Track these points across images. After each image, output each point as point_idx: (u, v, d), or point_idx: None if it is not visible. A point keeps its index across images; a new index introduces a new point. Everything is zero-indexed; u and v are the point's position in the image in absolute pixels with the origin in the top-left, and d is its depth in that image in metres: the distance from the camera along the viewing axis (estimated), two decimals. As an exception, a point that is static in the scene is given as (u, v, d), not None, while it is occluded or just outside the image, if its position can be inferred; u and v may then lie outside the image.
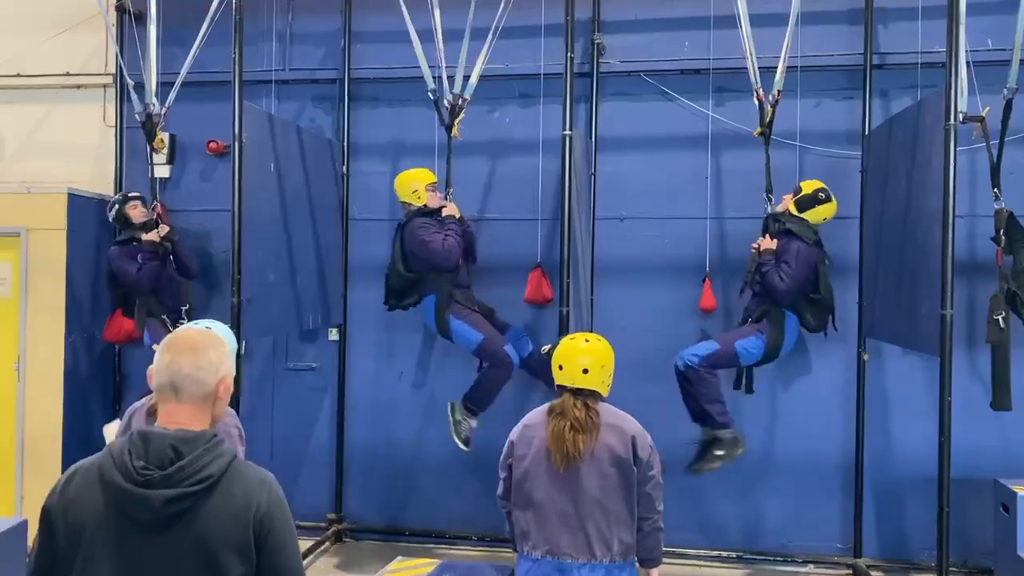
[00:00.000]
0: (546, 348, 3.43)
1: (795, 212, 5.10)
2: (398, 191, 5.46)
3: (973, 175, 5.27)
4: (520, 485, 3.22)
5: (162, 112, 5.36)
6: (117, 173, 6.44)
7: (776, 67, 5.24)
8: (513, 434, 3.32)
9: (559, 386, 3.27)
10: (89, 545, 1.79)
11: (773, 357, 5.08)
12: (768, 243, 5.01)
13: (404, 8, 5.27)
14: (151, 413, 3.03)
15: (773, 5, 5.37)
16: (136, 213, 5.78)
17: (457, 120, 5.24)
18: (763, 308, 5.03)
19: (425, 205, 5.33)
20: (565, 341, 3.41)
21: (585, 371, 3.22)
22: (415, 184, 5.38)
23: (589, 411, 3.16)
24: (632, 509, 3.16)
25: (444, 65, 5.25)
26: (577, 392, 3.20)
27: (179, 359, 1.92)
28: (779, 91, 4.85)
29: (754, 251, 5.08)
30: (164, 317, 5.67)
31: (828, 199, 5.14)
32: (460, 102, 5.21)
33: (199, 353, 1.93)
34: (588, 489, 3.12)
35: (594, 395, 3.23)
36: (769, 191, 5.12)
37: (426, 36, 5.33)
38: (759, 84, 4.74)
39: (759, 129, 4.99)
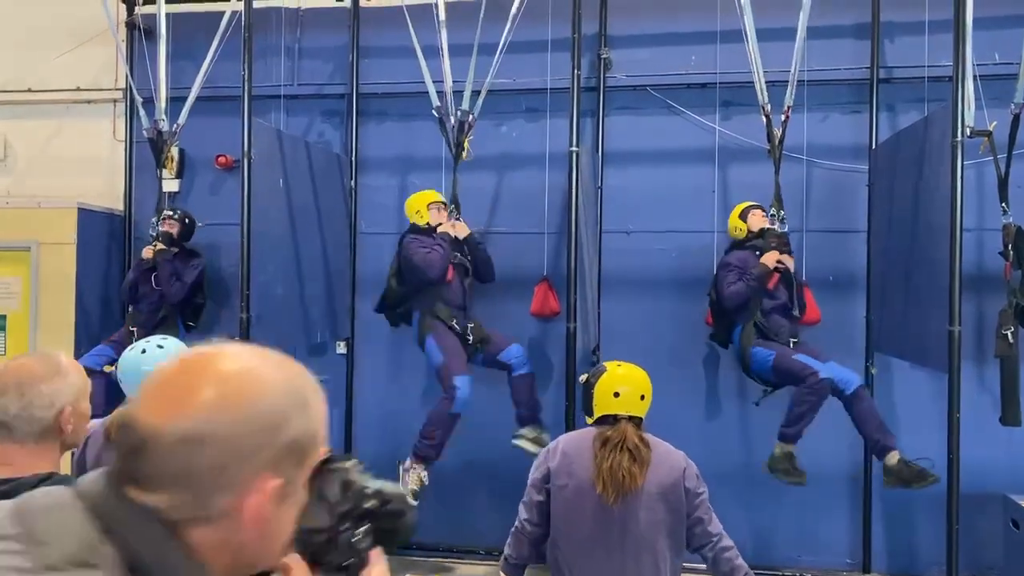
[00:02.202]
0: (583, 377, 3.29)
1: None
2: (407, 212, 5.48)
3: (981, 188, 5.27)
4: (557, 519, 3.04)
5: (174, 130, 5.40)
6: (127, 187, 6.48)
7: (782, 81, 5.29)
8: (550, 460, 3.07)
9: (606, 416, 3.06)
10: None
11: None
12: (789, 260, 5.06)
13: (410, 25, 5.30)
14: (107, 436, 2.91)
15: (779, 20, 5.36)
16: (164, 226, 5.78)
17: (466, 138, 5.23)
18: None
19: (427, 223, 5.35)
20: (614, 368, 3.18)
21: (643, 397, 3.08)
22: (418, 204, 5.42)
23: (643, 440, 3.00)
24: (680, 545, 3.03)
25: (451, 82, 5.26)
26: (631, 420, 3.04)
27: (4, 399, 1.82)
28: (789, 107, 4.83)
29: (780, 269, 5.02)
30: (132, 329, 5.61)
31: None
32: (469, 119, 5.20)
33: (28, 388, 1.83)
34: (637, 525, 2.94)
35: (641, 422, 3.10)
36: (779, 207, 5.07)
37: (434, 52, 5.36)
38: (766, 101, 4.74)
39: (771, 148, 4.94)
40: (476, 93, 5.22)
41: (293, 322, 5.39)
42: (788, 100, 4.79)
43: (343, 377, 6.23)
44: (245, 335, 4.63)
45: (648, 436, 3.04)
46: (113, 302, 6.30)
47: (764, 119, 4.86)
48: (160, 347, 3.11)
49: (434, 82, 5.30)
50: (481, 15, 5.21)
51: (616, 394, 3.06)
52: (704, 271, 5.70)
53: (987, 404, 5.04)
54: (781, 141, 4.89)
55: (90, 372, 5.54)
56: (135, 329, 5.61)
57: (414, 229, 5.36)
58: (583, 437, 3.08)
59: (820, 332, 5.12)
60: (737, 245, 5.19)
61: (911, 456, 4.68)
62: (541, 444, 4.90)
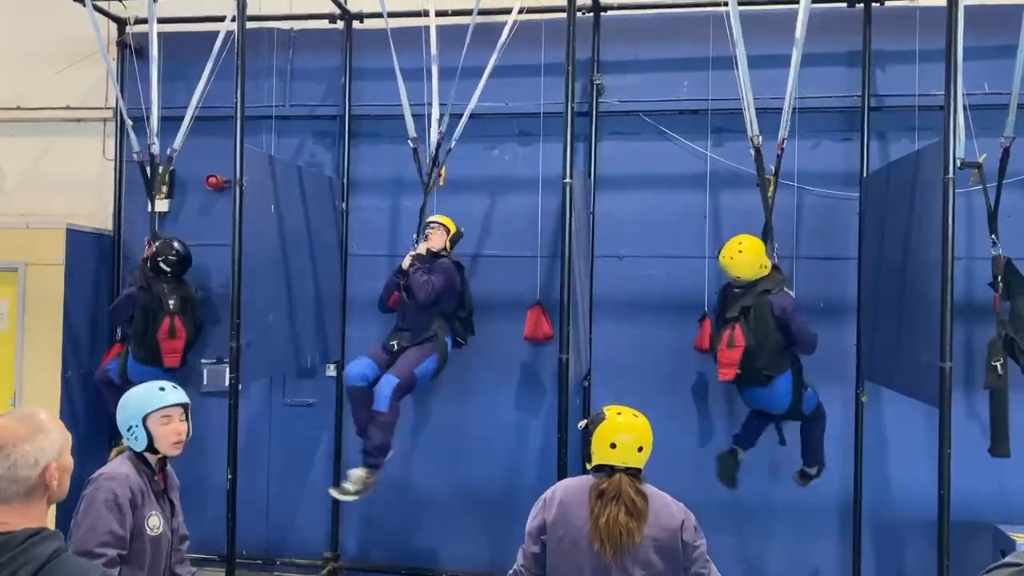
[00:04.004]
0: (582, 423, 3.13)
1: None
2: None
3: (971, 217, 5.28)
4: (554, 571, 2.95)
5: (170, 154, 5.41)
6: (116, 207, 6.44)
7: (773, 108, 5.31)
8: (546, 511, 2.99)
9: (602, 466, 2.99)
10: None
11: None
12: None
13: (393, 51, 5.29)
14: None
15: (770, 47, 5.41)
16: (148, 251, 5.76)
17: (442, 166, 5.20)
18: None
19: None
20: (613, 416, 3.06)
21: (640, 449, 2.99)
22: None
23: (640, 494, 2.91)
24: None
25: (437, 106, 5.23)
26: (628, 473, 2.95)
27: None
28: (783, 139, 4.77)
29: None
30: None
31: None
32: (447, 145, 5.16)
33: (9, 450, 1.83)
34: None
35: (639, 474, 3.01)
36: (769, 237, 5.02)
37: (424, 75, 5.36)
38: (755, 132, 4.71)
39: (770, 178, 4.83)
40: (457, 117, 5.21)
41: (283, 348, 5.36)
42: (783, 132, 4.72)
43: (332, 400, 6.19)
44: (235, 361, 4.60)
45: (646, 488, 2.97)
46: (102, 324, 6.25)
47: (753, 152, 4.78)
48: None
49: (417, 106, 5.28)
50: (468, 39, 5.20)
51: (613, 445, 2.97)
52: (695, 296, 5.71)
53: (976, 434, 5.04)
54: (776, 171, 4.81)
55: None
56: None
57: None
58: (580, 487, 3.00)
59: (811, 359, 5.11)
60: (760, 282, 4.95)
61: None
62: (358, 491, 5.02)
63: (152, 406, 3.08)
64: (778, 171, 4.85)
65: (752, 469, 5.47)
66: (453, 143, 5.23)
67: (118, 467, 3.01)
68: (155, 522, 2.97)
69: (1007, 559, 1.52)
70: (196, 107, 5.36)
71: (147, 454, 3.09)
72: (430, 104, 5.30)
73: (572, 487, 3.04)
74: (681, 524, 2.92)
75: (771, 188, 4.83)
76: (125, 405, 3.13)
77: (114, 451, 3.17)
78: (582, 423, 3.15)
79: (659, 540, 2.89)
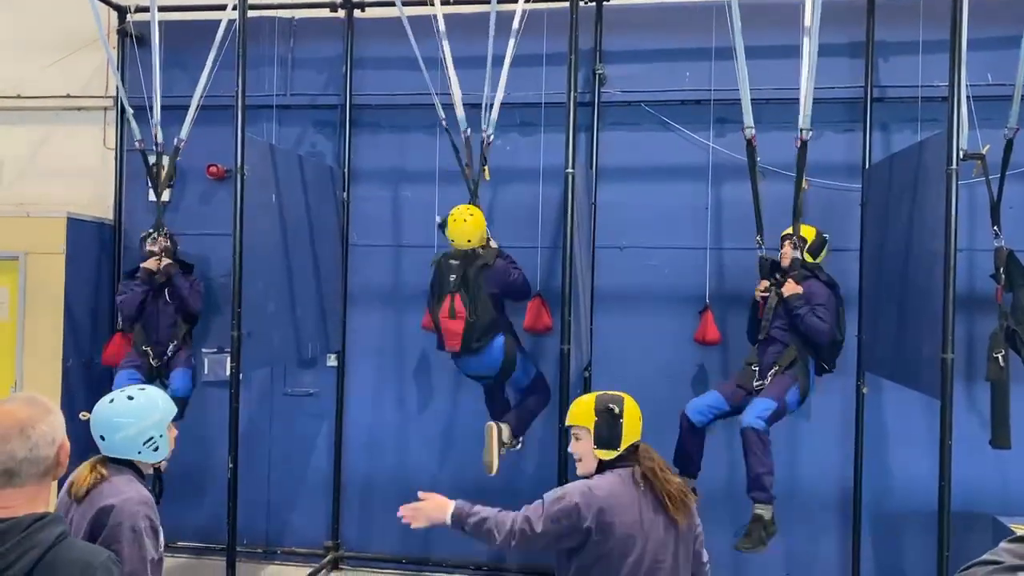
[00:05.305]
0: (613, 407, 3.12)
1: (810, 259, 5.05)
2: (478, 232, 5.22)
3: (972, 208, 5.26)
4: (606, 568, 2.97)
5: (177, 145, 5.39)
6: (117, 196, 6.42)
7: (776, 99, 5.34)
8: (581, 515, 2.92)
9: (621, 451, 3.08)
10: None
11: (800, 404, 4.94)
12: (794, 287, 4.84)
13: (411, 34, 5.27)
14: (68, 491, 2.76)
15: (773, 37, 5.40)
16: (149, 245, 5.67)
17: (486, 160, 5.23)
18: (792, 354, 4.86)
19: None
20: (619, 395, 3.19)
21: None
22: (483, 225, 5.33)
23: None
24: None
25: (460, 94, 5.22)
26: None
27: (10, 445, 1.82)
28: (803, 129, 4.50)
29: (767, 297, 4.93)
30: (146, 348, 5.59)
31: (827, 239, 5.17)
32: (488, 138, 5.19)
33: (29, 431, 1.84)
34: (678, 558, 3.03)
35: None
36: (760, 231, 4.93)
37: (429, 64, 5.35)
38: (750, 124, 4.64)
39: (803, 181, 4.68)
40: (475, 107, 5.19)
41: (284, 337, 5.36)
42: (804, 124, 4.46)
43: (333, 390, 6.20)
44: (236, 351, 4.60)
45: None
46: (103, 313, 6.25)
47: (746, 144, 4.63)
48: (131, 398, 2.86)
49: (438, 95, 5.28)
50: (492, 28, 5.18)
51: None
52: (697, 288, 5.70)
53: (976, 425, 5.06)
54: (801, 167, 4.59)
55: None
56: (149, 348, 5.58)
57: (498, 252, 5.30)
58: (616, 486, 3.00)
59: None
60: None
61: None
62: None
63: (173, 412, 2.89)
64: (802, 166, 4.60)
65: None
66: (491, 136, 5.22)
67: (139, 489, 2.71)
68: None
69: (983, 556, 1.50)
70: (201, 96, 5.33)
71: (141, 464, 2.83)
72: (438, 94, 5.29)
73: (606, 487, 2.98)
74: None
75: (803, 186, 4.66)
76: (149, 412, 2.81)
77: (89, 466, 2.77)
78: (612, 407, 3.08)
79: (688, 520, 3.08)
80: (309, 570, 5.92)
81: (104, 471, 2.73)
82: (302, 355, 5.74)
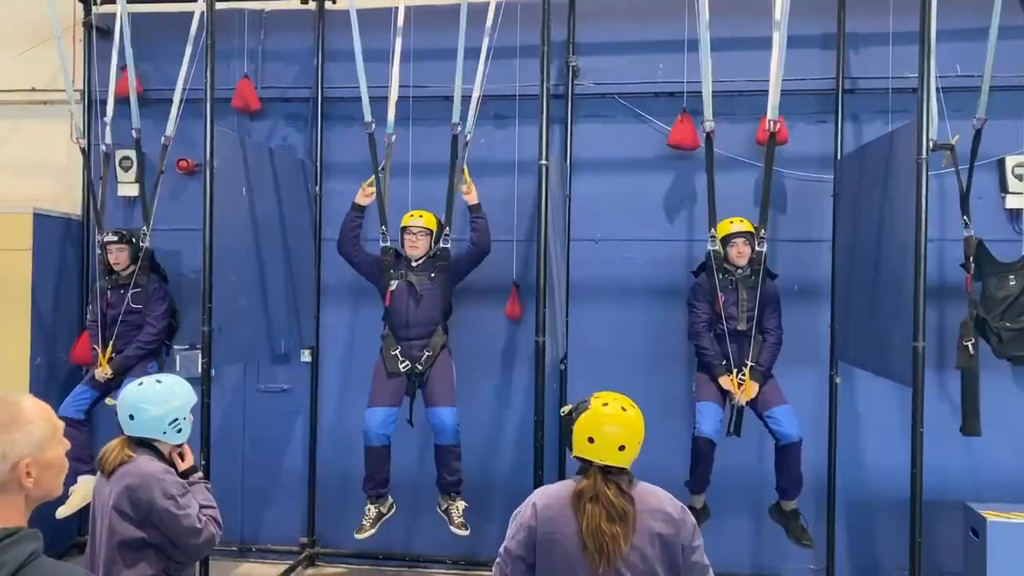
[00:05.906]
0: (566, 408, 2.82)
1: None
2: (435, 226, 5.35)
3: (942, 198, 5.33)
4: None
5: (165, 142, 5.28)
6: (84, 192, 6.31)
7: (747, 91, 5.37)
8: (530, 517, 2.67)
9: (582, 459, 2.70)
10: None
11: None
12: (753, 389, 4.95)
13: (355, 31, 5.13)
14: (100, 467, 3.09)
15: (744, 29, 5.42)
16: (111, 259, 5.52)
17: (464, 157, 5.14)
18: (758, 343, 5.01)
19: None
20: (598, 406, 2.72)
21: (622, 448, 2.64)
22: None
23: (624, 495, 2.61)
24: None
25: (397, 89, 5.14)
26: (606, 471, 2.64)
27: None
28: (772, 121, 4.50)
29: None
30: (114, 355, 5.43)
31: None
32: (466, 134, 5.09)
33: None
34: None
35: (624, 473, 2.68)
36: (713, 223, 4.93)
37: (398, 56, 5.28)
38: (709, 118, 4.61)
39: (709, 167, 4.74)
40: (447, 99, 5.13)
41: (256, 333, 5.30)
42: (771, 113, 4.44)
43: (307, 386, 6.15)
44: (207, 347, 4.54)
45: (636, 488, 2.67)
46: (71, 310, 6.15)
47: (704, 136, 4.63)
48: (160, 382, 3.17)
49: (373, 88, 5.19)
50: (463, 21, 5.11)
51: (591, 439, 2.65)
52: (673, 280, 5.72)
53: (947, 413, 5.13)
54: (768, 158, 4.60)
55: (73, 424, 5.28)
56: (115, 356, 5.40)
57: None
58: (561, 494, 2.69)
59: (786, 341, 5.13)
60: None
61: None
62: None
63: (195, 399, 3.21)
64: (772, 157, 4.62)
65: (724, 449, 5.48)
66: (469, 132, 5.10)
67: (159, 464, 3.04)
68: None
69: None
70: (184, 91, 5.15)
71: (159, 445, 3.10)
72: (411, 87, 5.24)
73: (553, 492, 2.74)
74: (678, 526, 2.64)
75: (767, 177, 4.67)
76: (172, 396, 3.11)
77: (119, 443, 3.08)
78: (565, 408, 2.85)
79: (653, 546, 2.60)
80: (284, 567, 5.87)
81: (130, 452, 3.03)
82: (275, 351, 5.68)
